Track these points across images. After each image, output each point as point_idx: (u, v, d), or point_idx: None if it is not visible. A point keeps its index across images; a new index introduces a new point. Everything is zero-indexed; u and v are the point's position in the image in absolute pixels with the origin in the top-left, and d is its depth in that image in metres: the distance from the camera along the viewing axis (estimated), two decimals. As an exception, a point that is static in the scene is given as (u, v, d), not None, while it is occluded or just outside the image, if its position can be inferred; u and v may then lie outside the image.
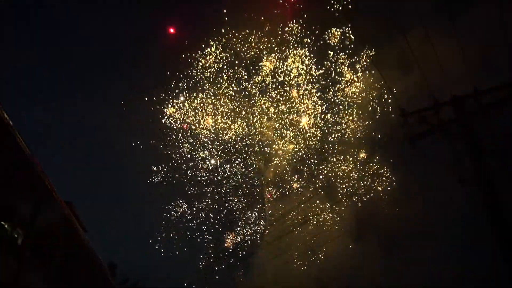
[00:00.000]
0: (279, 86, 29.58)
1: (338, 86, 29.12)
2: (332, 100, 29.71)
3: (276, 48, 28.06)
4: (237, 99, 30.21)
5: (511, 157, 10.18)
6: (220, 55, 28.63)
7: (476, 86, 9.09)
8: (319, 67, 28.13)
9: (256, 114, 31.45)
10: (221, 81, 29.12)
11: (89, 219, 17.77)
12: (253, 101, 30.74)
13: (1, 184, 13.49)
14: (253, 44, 28.50)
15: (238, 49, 27.85)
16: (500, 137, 9.18)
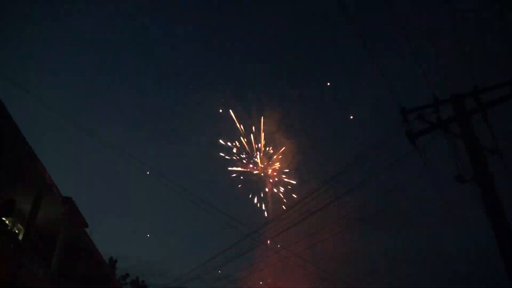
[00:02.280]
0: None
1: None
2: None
3: None
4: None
5: (511, 155, 10.20)
6: None
7: (476, 84, 9.09)
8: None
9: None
10: None
11: (89, 214, 17.82)
12: None
13: (2, 180, 13.54)
14: None
15: None
16: (500, 135, 9.20)
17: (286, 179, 54.21)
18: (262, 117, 53.55)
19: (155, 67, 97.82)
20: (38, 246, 16.10)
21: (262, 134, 52.99)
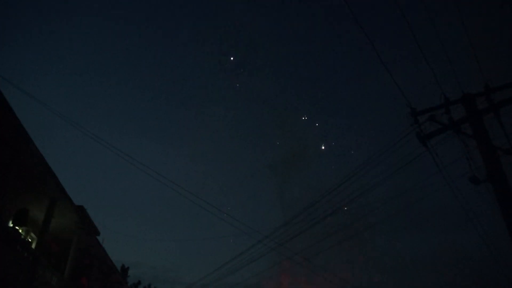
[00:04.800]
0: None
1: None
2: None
3: None
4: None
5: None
6: None
7: (487, 83, 8.94)
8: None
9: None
10: None
11: (101, 222, 17.94)
12: None
13: (15, 190, 13.69)
14: None
15: None
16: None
17: None
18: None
19: (170, 74, 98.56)
20: (51, 254, 16.22)
21: None
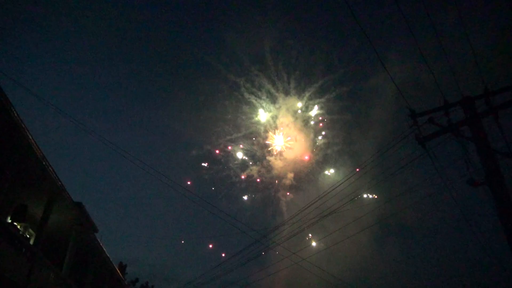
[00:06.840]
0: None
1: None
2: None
3: None
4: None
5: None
6: None
7: (487, 86, 8.99)
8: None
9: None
10: None
11: (99, 219, 17.94)
12: None
13: (13, 186, 13.69)
14: None
15: None
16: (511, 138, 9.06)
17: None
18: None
19: (166, 71, 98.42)
20: (49, 251, 16.22)
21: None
